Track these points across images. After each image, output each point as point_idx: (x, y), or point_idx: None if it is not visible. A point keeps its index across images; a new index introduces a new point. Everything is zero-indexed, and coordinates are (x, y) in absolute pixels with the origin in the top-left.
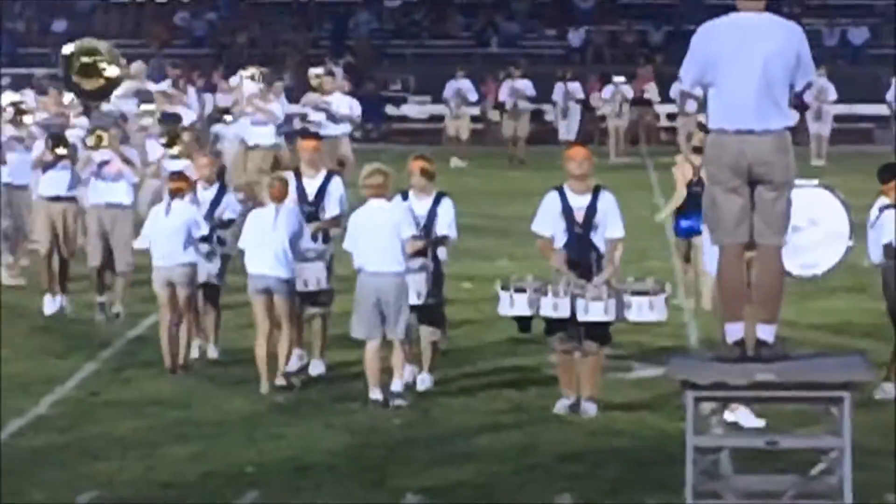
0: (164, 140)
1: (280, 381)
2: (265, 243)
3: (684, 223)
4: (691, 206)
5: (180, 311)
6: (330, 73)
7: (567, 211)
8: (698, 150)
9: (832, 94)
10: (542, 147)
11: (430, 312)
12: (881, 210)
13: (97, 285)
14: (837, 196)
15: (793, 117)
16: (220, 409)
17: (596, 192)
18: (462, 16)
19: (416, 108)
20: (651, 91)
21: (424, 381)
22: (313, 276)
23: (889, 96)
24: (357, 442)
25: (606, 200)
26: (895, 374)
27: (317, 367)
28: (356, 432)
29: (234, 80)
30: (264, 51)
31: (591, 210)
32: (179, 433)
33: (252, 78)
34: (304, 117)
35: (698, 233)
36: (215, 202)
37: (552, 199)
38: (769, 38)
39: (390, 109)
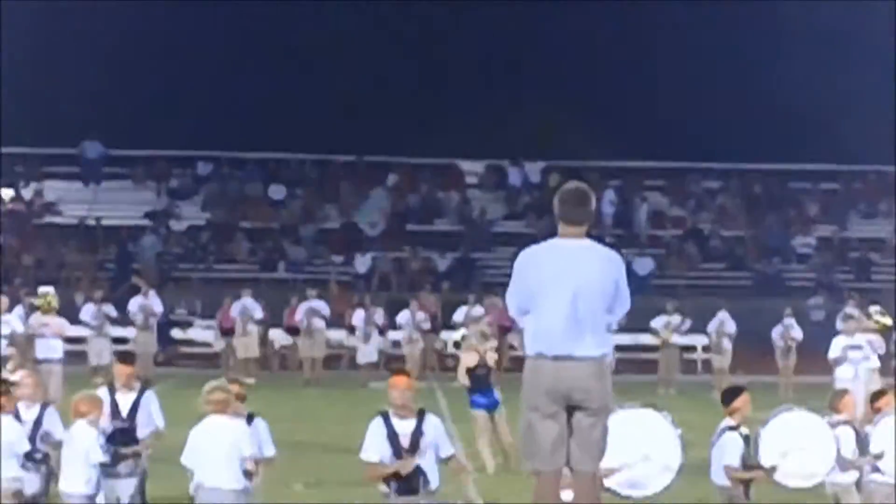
0: None
1: None
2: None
3: (482, 399)
4: (482, 385)
5: None
6: None
7: (392, 436)
8: (485, 337)
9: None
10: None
11: None
12: (722, 431)
13: None
14: (667, 419)
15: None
16: None
17: (421, 416)
18: (248, 241)
19: (202, 332)
20: (436, 318)
21: None
22: (126, 492)
23: (710, 328)
24: None
25: (432, 424)
26: None
27: None
28: None
29: None
30: (49, 273)
31: (417, 434)
32: None
33: None
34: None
35: (494, 407)
36: (38, 420)
37: (377, 425)
38: (585, 267)
39: (176, 333)
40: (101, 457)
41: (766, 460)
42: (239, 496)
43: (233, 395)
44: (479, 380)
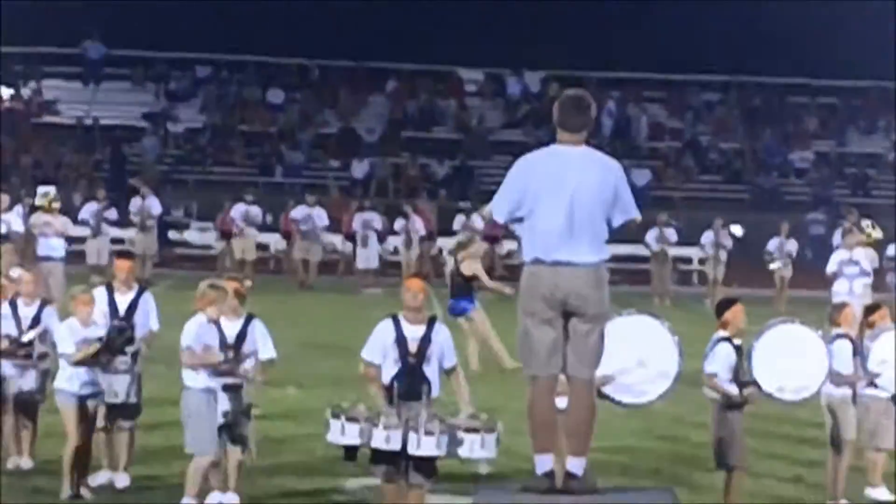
0: None
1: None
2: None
3: (457, 305)
4: (460, 292)
5: None
6: None
7: (401, 340)
8: (462, 246)
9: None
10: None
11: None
12: (715, 342)
13: None
14: (665, 325)
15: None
16: None
17: (431, 323)
18: (246, 144)
19: (198, 234)
20: (433, 225)
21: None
22: (123, 388)
23: (705, 240)
24: None
25: (441, 332)
26: None
27: (122, 481)
28: None
29: None
30: (46, 172)
31: (426, 341)
32: None
33: None
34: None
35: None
36: (36, 317)
37: (386, 327)
38: (583, 173)
39: (173, 235)
40: (66, 349)
41: (759, 372)
42: (202, 394)
43: (218, 293)
44: (458, 287)
